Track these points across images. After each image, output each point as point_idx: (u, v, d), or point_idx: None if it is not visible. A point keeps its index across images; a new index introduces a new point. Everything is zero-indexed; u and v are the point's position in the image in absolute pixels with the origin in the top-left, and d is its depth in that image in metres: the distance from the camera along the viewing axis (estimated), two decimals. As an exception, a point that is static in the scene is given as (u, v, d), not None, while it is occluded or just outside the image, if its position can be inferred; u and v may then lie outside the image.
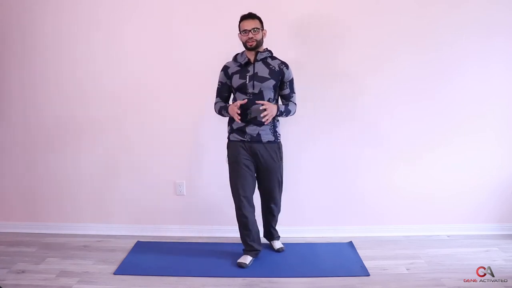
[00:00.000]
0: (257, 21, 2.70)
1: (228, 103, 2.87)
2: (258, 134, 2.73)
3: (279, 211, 3.00)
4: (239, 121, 2.67)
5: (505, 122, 3.25)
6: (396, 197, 3.32)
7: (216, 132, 3.24)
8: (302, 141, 3.22)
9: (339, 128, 3.26)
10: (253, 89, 2.70)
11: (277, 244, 3.07)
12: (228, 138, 2.84)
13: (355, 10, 3.16)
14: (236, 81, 2.74)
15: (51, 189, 3.40)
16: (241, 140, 2.76)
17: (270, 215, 3.00)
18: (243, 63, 2.75)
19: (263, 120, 2.65)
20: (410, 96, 3.22)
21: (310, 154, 3.26)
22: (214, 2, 3.16)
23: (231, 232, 3.25)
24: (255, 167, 2.81)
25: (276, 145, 2.79)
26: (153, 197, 3.37)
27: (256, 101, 2.67)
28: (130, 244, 3.19)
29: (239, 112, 2.64)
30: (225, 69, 2.81)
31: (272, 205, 2.94)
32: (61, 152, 3.36)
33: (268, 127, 2.75)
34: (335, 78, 3.20)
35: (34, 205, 3.44)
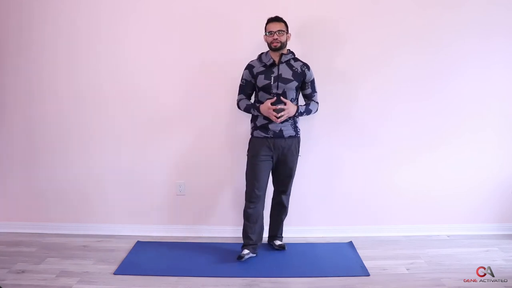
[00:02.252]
0: (282, 24, 2.81)
1: (252, 101, 2.96)
2: (281, 130, 2.84)
3: (288, 201, 3.06)
4: (278, 122, 2.79)
5: (505, 122, 3.25)
6: (396, 197, 3.32)
7: (216, 132, 3.25)
8: (303, 141, 3.21)
9: (339, 128, 3.26)
10: (277, 89, 2.82)
11: (278, 242, 3.08)
12: (252, 134, 2.94)
13: (354, 11, 3.16)
14: (261, 81, 2.83)
15: (51, 189, 3.40)
16: (264, 136, 2.85)
17: (281, 207, 3.05)
18: (268, 64, 2.83)
19: (278, 119, 2.77)
20: (410, 96, 3.22)
21: (310, 154, 3.25)
22: (214, 4, 3.16)
23: (231, 232, 3.25)
24: (274, 161, 2.90)
25: (296, 140, 2.92)
26: (153, 197, 3.37)
27: (281, 98, 2.80)
28: (130, 244, 3.19)
29: (274, 113, 2.77)
30: (249, 67, 2.89)
31: (283, 196, 3.02)
32: (60, 152, 3.36)
33: (289, 123, 2.86)
34: (335, 78, 3.20)
35: (34, 205, 3.44)
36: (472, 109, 3.23)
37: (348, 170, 3.30)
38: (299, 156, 2.96)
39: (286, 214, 3.10)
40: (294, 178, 3.01)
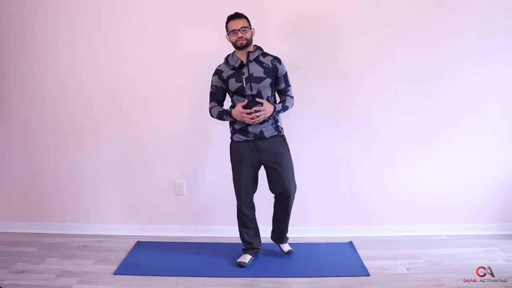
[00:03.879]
0: (244, 20, 2.67)
1: (226, 107, 2.84)
2: (261, 132, 2.72)
3: (291, 207, 2.87)
4: (256, 122, 2.65)
5: (505, 122, 3.24)
6: (396, 197, 3.32)
7: (216, 132, 3.25)
8: (302, 142, 3.22)
9: (339, 128, 3.26)
10: (251, 91, 2.68)
11: (286, 247, 3.01)
12: (232, 138, 2.82)
13: (355, 11, 3.16)
14: (233, 85, 2.70)
15: (51, 189, 3.40)
16: (245, 140, 2.75)
17: (284, 214, 2.87)
18: (236, 66, 2.70)
19: (252, 120, 2.63)
20: (410, 96, 3.22)
21: (310, 154, 3.26)
22: (214, 4, 3.16)
23: (231, 232, 3.25)
24: (261, 165, 2.80)
25: (280, 138, 2.78)
26: (153, 197, 3.37)
27: (256, 99, 2.66)
28: (130, 244, 3.19)
29: (248, 116, 2.63)
30: (218, 73, 2.76)
31: (289, 201, 2.80)
32: (61, 152, 3.36)
33: (270, 123, 2.74)
34: (335, 78, 3.20)
35: (34, 205, 3.44)
36: (472, 109, 3.23)
37: (348, 170, 3.30)
38: (290, 154, 2.81)
39: (288, 221, 2.95)
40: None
